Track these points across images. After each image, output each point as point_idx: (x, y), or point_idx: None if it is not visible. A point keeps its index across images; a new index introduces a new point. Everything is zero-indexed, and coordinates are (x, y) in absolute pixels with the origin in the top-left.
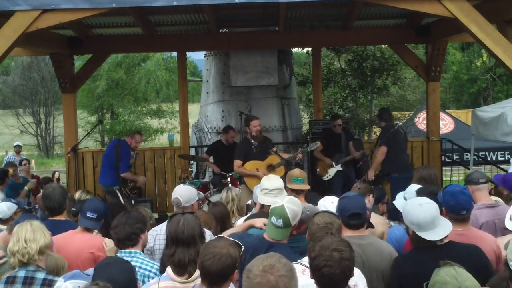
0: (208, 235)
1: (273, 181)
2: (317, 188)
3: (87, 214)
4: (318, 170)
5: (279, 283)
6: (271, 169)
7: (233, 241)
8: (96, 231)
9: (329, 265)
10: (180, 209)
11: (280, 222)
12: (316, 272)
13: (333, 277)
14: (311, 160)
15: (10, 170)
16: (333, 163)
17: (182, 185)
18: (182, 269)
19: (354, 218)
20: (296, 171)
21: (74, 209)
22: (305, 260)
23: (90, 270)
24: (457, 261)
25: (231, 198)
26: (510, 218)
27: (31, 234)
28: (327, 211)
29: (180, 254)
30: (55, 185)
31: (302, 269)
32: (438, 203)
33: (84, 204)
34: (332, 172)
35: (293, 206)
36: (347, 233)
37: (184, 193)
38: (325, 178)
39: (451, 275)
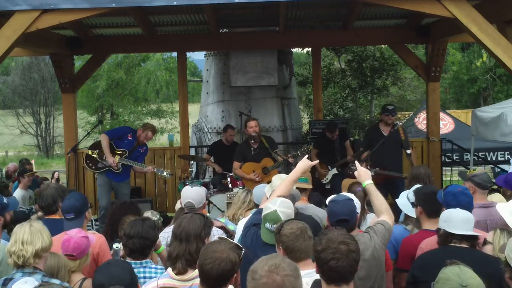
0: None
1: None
2: (320, 189)
3: (66, 217)
4: (316, 173)
5: (285, 282)
6: (266, 171)
7: (233, 245)
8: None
9: (337, 257)
10: (191, 211)
11: (275, 227)
12: (323, 265)
13: (340, 270)
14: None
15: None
16: (329, 167)
17: (189, 187)
18: (172, 262)
19: (341, 223)
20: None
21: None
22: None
23: None
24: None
25: (243, 200)
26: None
27: (29, 236)
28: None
29: (172, 247)
30: (51, 185)
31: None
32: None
33: (61, 207)
34: (329, 175)
35: (286, 209)
36: None
37: (195, 195)
38: (324, 181)
39: (455, 272)
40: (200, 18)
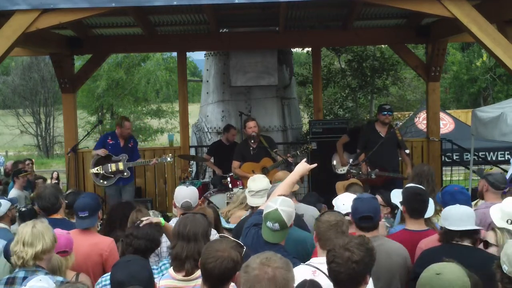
0: (213, 234)
1: (258, 182)
2: (322, 188)
3: (80, 215)
4: (335, 162)
5: (276, 274)
6: (265, 171)
7: (235, 243)
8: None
9: (337, 262)
10: (188, 211)
11: (276, 226)
12: (328, 265)
13: (338, 275)
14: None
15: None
16: (350, 160)
17: (183, 187)
18: (179, 263)
19: (365, 221)
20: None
21: (66, 201)
22: (314, 261)
23: None
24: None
25: (240, 201)
26: (503, 219)
27: (30, 237)
28: (333, 211)
29: (179, 247)
30: (47, 185)
31: (312, 270)
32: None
33: (75, 205)
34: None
35: (287, 208)
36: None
37: (191, 195)
38: (339, 171)
39: (436, 266)
40: (200, 18)
